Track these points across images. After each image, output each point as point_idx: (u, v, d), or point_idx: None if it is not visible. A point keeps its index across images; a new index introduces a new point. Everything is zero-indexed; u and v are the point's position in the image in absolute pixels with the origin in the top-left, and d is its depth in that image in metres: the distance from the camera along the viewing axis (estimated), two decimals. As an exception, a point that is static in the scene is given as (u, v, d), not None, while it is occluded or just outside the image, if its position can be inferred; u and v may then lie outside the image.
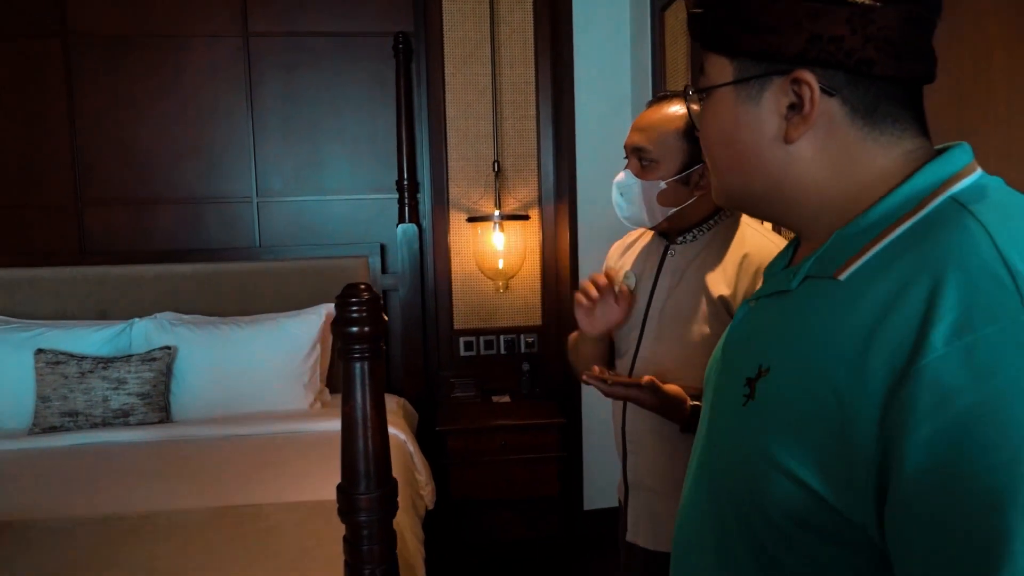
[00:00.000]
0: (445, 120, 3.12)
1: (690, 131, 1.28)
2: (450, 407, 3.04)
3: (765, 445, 0.62)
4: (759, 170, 0.69)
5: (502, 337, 3.21)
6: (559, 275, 3.19)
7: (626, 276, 1.41)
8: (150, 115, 3.00)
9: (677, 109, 1.30)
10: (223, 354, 2.67)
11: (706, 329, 1.28)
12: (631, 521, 1.41)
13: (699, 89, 0.73)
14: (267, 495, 1.98)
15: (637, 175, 1.32)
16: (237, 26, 3.01)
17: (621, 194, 1.35)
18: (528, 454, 2.85)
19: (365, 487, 1.19)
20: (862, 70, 0.62)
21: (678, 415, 1.21)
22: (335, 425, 2.50)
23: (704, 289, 1.30)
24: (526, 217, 3.12)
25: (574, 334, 1.51)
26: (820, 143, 0.66)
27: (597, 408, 3.10)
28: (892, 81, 0.63)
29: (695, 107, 0.75)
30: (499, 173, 3.13)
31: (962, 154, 0.64)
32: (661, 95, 1.36)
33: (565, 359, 3.11)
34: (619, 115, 3.07)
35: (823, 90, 0.64)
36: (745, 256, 1.29)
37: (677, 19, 2.55)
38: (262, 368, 2.67)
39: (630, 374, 1.37)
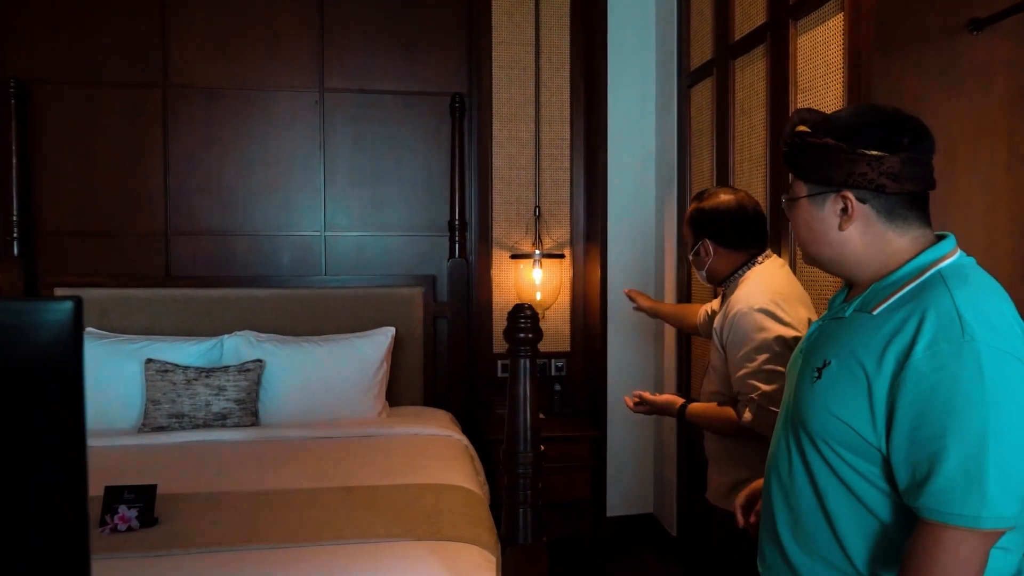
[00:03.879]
0: (492, 169, 3.57)
1: (690, 221, 1.90)
2: (492, 422, 3.43)
3: (826, 404, 1.10)
4: (826, 246, 1.17)
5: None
6: (587, 307, 3.63)
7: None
8: (234, 157, 3.40)
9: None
10: (304, 367, 3.03)
11: (715, 351, 1.86)
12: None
13: (790, 199, 1.22)
14: (372, 481, 2.33)
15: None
16: (315, 82, 3.45)
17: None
18: (563, 463, 3.25)
19: (524, 447, 1.58)
20: (879, 190, 1.10)
21: (671, 412, 1.85)
22: (403, 431, 2.93)
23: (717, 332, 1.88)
24: (562, 256, 3.56)
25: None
26: (860, 231, 1.13)
27: (621, 424, 3.52)
28: (898, 195, 1.11)
29: (787, 208, 1.23)
30: (539, 216, 3.58)
31: (948, 243, 1.13)
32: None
33: (591, 381, 3.54)
34: (645, 169, 3.57)
35: (859, 200, 1.11)
36: (736, 313, 1.79)
37: (702, 96, 3.07)
38: (337, 381, 3.04)
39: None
